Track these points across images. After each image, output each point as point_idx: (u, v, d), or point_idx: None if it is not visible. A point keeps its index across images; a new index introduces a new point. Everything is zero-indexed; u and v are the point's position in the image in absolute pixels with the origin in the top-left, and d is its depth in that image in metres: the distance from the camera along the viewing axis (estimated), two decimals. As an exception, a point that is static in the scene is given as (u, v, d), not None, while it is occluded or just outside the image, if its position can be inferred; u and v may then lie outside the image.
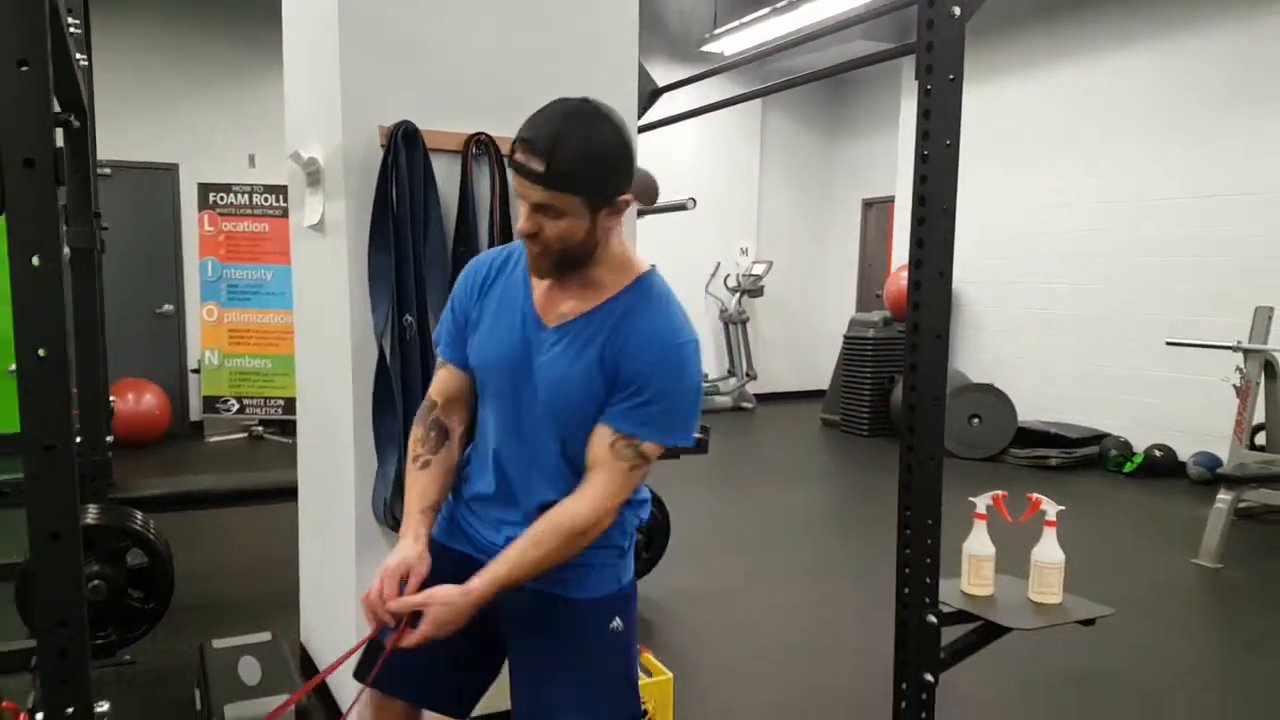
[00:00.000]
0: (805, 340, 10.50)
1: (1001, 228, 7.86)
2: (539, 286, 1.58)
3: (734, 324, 9.43)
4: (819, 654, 3.48)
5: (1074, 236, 7.33)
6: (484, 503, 1.65)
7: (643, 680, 2.63)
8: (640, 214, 2.87)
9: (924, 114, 2.23)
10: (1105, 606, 2.40)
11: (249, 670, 2.72)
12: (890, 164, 9.33)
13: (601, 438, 1.49)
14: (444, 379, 1.68)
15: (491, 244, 2.46)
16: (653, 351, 1.48)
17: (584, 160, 1.40)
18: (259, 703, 2.52)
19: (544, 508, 1.53)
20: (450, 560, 1.62)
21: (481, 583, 1.47)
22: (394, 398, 2.36)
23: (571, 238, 1.46)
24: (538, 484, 1.57)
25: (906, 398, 2.34)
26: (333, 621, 2.74)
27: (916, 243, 2.34)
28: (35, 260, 1.35)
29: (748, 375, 9.47)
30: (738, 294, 9.47)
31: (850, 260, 10.53)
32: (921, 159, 2.27)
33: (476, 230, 2.44)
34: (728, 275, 9.62)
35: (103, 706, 1.73)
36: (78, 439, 3.37)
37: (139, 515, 3.25)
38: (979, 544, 2.47)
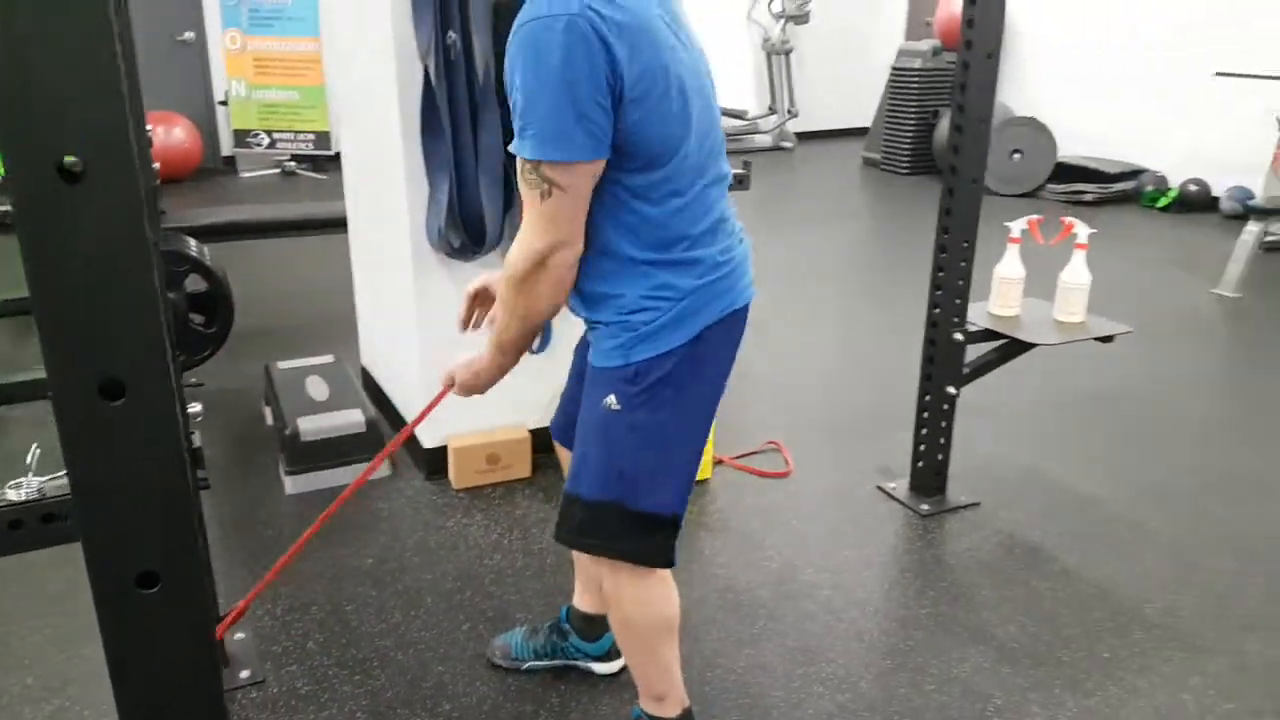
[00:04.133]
0: (850, 73, 10.01)
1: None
2: None
3: (777, 54, 8.95)
4: (850, 375, 3.70)
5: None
6: None
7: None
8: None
9: None
10: (1125, 326, 2.53)
11: (316, 388, 2.95)
12: None
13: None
14: None
15: None
16: (512, 46, 1.27)
17: None
18: (329, 416, 2.76)
19: None
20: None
21: (486, 346, 1.55)
22: (440, 120, 2.39)
23: None
24: None
25: (955, 118, 2.34)
26: (396, 345, 2.93)
27: (977, -45, 2.24)
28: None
29: (789, 112, 9.15)
30: (783, 20, 8.92)
31: (901, -18, 9.84)
32: None
33: (516, -57, 2.34)
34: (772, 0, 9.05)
35: (195, 407, 1.93)
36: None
37: (193, 243, 3.39)
38: (1010, 267, 2.56)
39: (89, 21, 0.57)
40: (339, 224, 3.48)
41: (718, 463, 2.86)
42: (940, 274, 2.46)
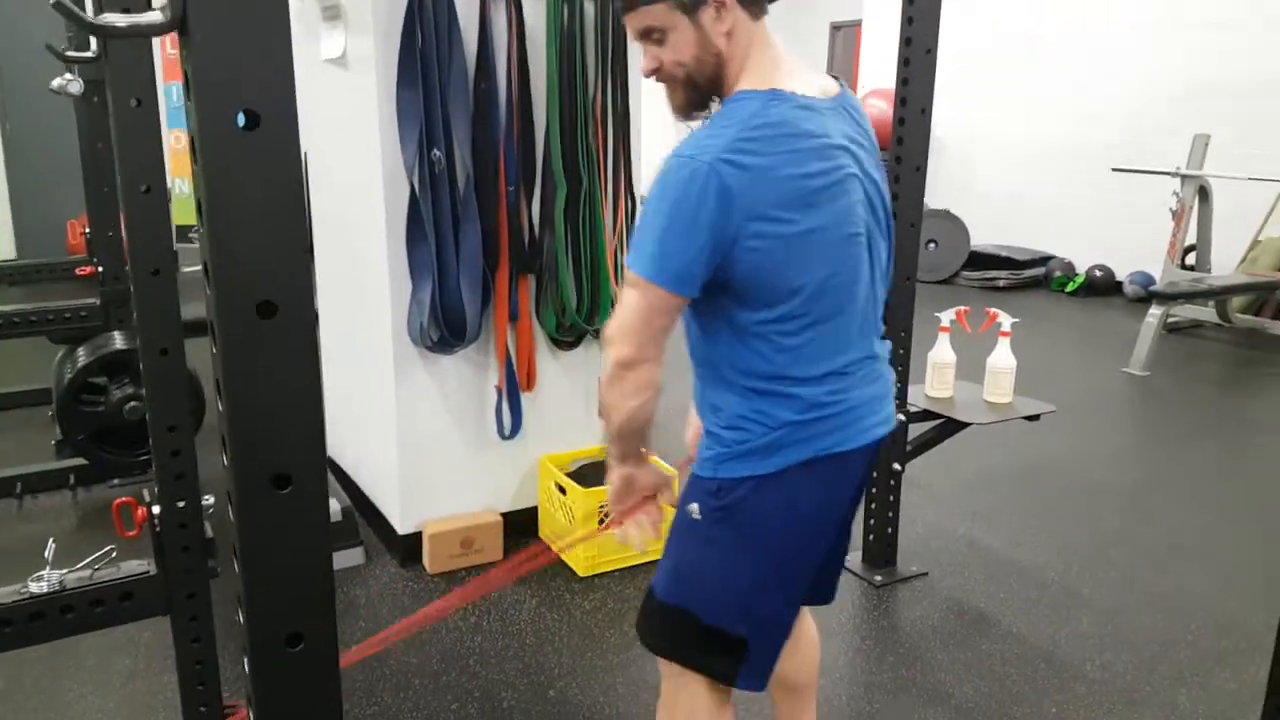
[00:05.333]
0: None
1: (962, 59, 7.92)
2: None
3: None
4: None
5: (1026, 69, 7.47)
6: None
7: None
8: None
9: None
10: (1049, 405, 2.79)
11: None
12: (860, -15, 9.18)
13: None
14: None
15: (509, 80, 2.61)
16: (660, 172, 1.34)
17: None
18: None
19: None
20: None
21: None
22: (425, 228, 2.57)
23: (686, 54, 1.35)
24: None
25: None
26: (371, 435, 3.03)
27: (902, 81, 2.55)
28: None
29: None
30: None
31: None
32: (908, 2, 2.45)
33: (495, 66, 2.58)
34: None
35: (208, 499, 2.02)
36: (99, 268, 3.53)
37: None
38: (942, 353, 2.82)
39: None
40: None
41: (682, 542, 3.01)
42: (884, 361, 2.70)
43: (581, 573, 2.81)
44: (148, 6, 1.53)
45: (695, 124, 1.40)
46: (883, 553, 2.85)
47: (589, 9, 2.72)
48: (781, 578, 1.47)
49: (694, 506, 1.45)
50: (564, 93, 2.70)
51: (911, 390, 2.77)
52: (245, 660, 0.84)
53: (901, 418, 2.70)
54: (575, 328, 2.91)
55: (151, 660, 2.35)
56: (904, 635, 2.56)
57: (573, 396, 3.07)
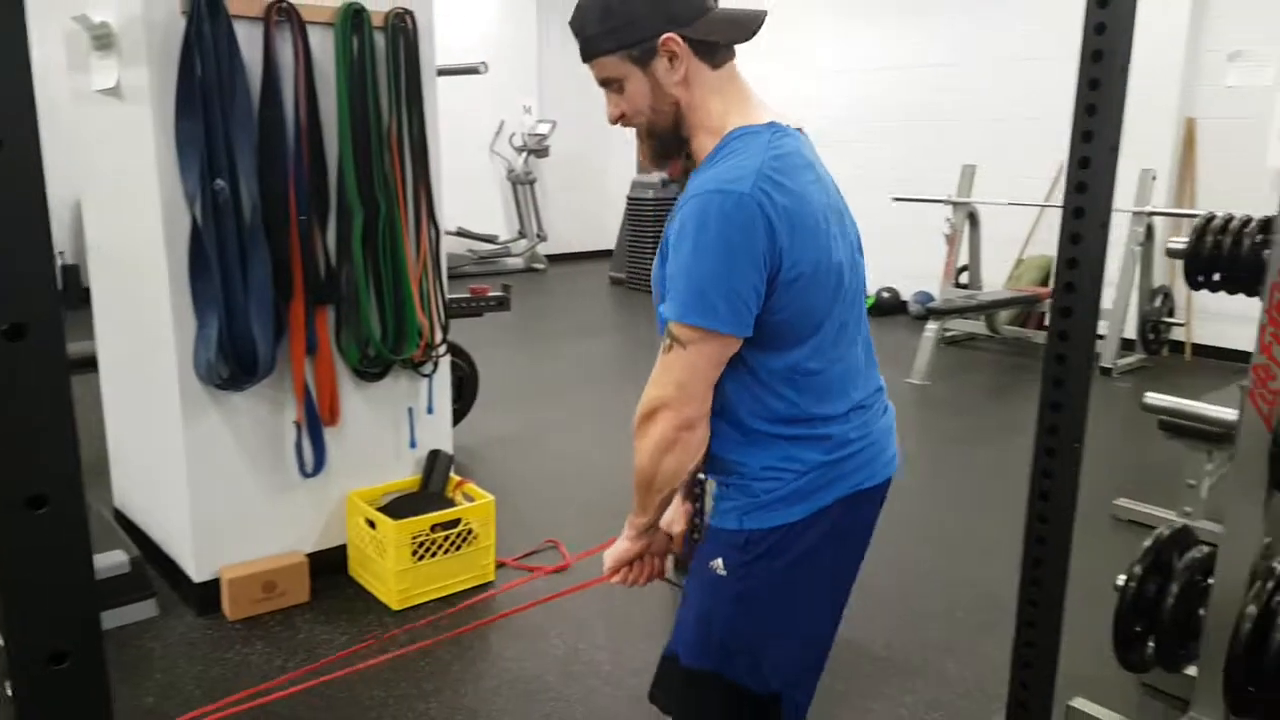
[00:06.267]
0: (591, 201, 10.82)
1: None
2: None
3: (521, 184, 9.54)
4: (617, 472, 4.01)
5: (808, 101, 8.07)
6: None
7: (465, 506, 3.00)
8: (440, 73, 3.03)
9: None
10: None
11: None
12: (663, 26, 9.60)
13: None
14: None
15: (297, 109, 2.58)
16: (682, 212, 1.26)
17: (599, 16, 1.32)
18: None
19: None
20: None
21: None
22: (209, 261, 2.49)
23: (643, 104, 1.34)
24: None
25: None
26: (160, 481, 2.88)
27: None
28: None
29: (538, 236, 9.69)
30: (524, 153, 9.54)
31: (628, 121, 10.84)
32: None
33: (282, 95, 2.55)
34: (513, 134, 9.65)
35: None
36: None
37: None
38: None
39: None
40: (87, 364, 3.37)
41: (500, 565, 3.02)
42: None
43: (395, 607, 2.77)
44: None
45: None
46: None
47: (379, 40, 2.74)
48: (824, 620, 1.45)
49: (718, 562, 1.37)
50: (356, 121, 2.70)
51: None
52: (7, 684, 0.82)
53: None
54: (380, 358, 2.89)
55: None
56: (710, 636, 2.69)
57: (380, 429, 3.03)
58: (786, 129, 1.33)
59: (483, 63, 4.07)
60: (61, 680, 0.82)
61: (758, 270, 1.22)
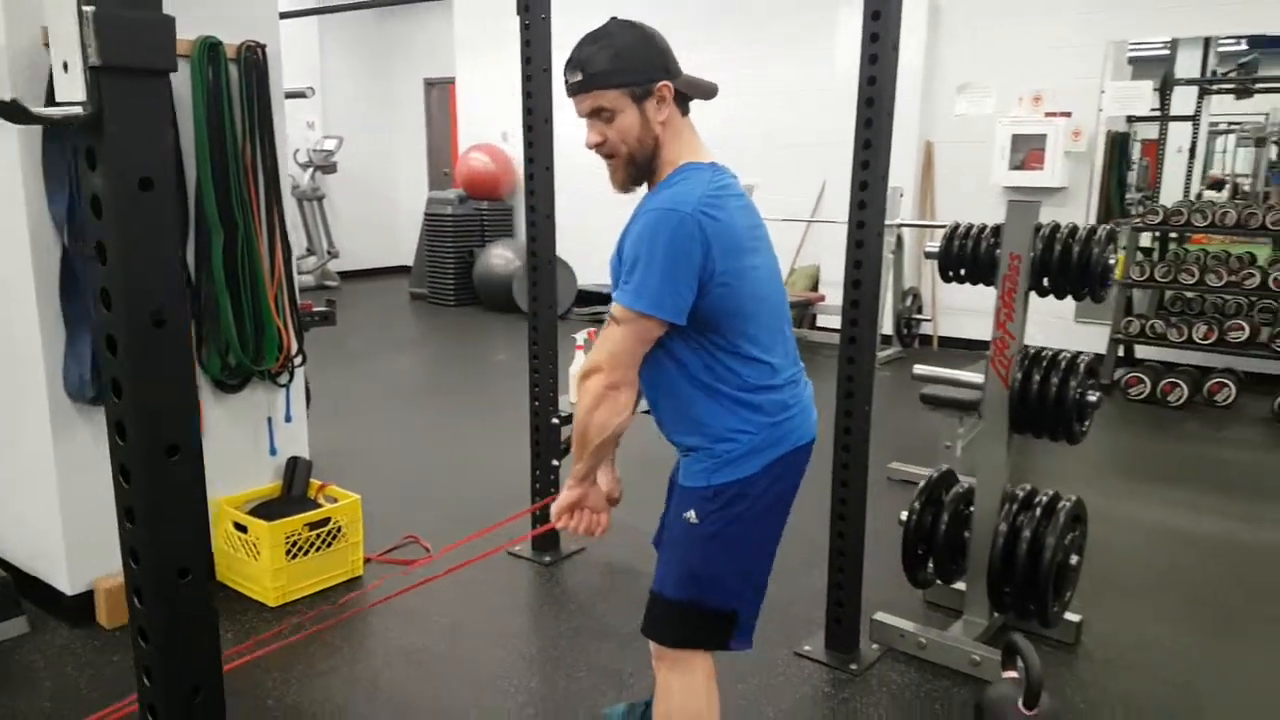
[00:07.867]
0: (384, 217, 10.80)
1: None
2: None
3: (309, 200, 9.39)
4: (465, 471, 4.29)
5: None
6: None
7: (333, 505, 3.19)
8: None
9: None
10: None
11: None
12: (449, 45, 9.81)
13: None
14: None
15: (177, 135, 2.70)
16: (637, 223, 1.61)
17: (610, 57, 1.61)
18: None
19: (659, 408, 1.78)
20: None
21: None
22: (79, 282, 2.57)
23: (630, 134, 1.65)
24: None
25: (529, 261, 3.14)
26: (24, 498, 2.87)
27: (528, 144, 3.10)
28: None
29: (329, 253, 9.56)
30: (310, 169, 9.41)
31: (419, 137, 10.94)
32: (526, 79, 3.00)
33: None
34: (297, 150, 9.48)
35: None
36: None
37: None
38: (579, 367, 3.39)
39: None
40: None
41: (368, 560, 3.24)
42: (536, 375, 3.21)
43: (272, 603, 2.93)
44: None
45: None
46: (549, 537, 3.33)
47: (233, 71, 2.91)
48: (769, 551, 1.80)
49: (691, 514, 1.71)
50: (214, 147, 2.86)
51: (562, 399, 3.30)
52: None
53: (555, 421, 3.22)
54: (241, 369, 3.04)
55: None
56: (573, 596, 3.08)
57: (242, 438, 3.16)
58: (724, 169, 1.71)
59: (310, 87, 4.20)
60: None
61: (692, 273, 1.58)
